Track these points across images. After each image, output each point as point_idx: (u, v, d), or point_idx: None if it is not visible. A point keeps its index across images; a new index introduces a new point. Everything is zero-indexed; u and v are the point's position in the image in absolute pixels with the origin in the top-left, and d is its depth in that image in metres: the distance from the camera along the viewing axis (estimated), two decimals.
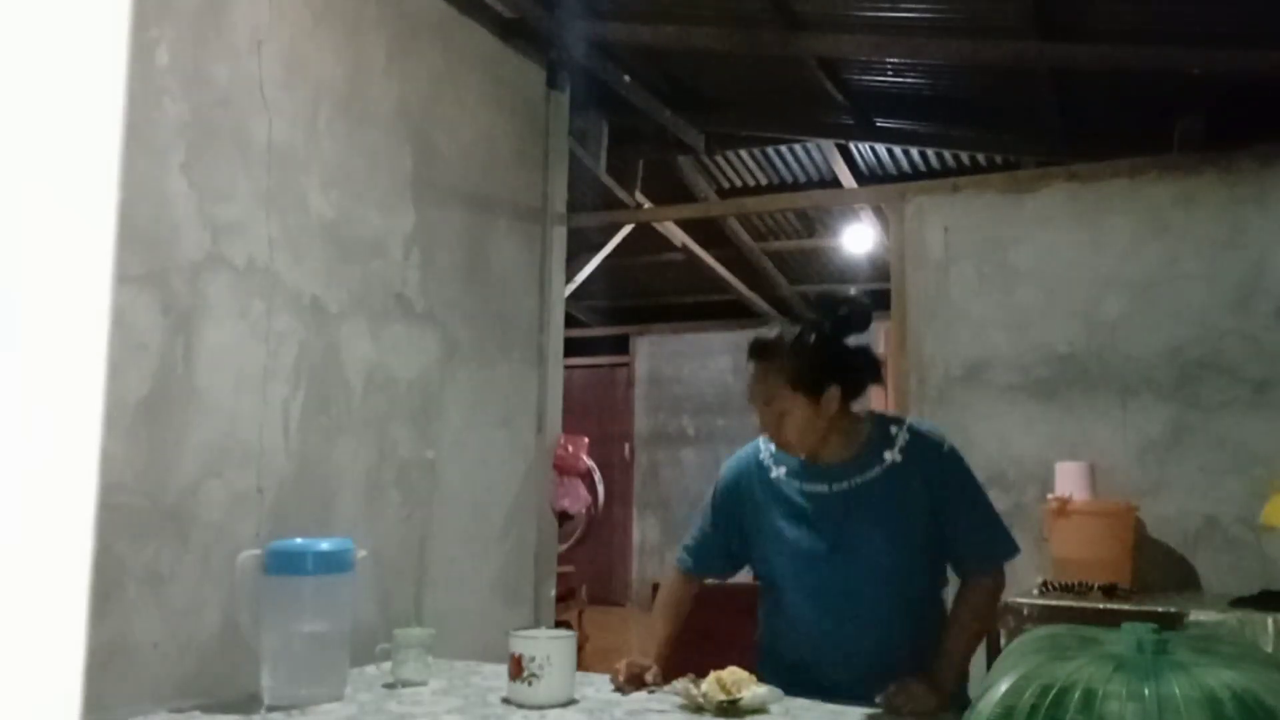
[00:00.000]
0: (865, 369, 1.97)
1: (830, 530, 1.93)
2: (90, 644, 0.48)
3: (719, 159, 5.95)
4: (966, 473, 1.97)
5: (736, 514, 2.06)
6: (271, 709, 1.85)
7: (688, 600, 2.15)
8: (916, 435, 1.95)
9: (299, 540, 2.03)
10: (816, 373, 1.89)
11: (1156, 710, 0.94)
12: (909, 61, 4.07)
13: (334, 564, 1.97)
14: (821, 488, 1.95)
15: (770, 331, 1.96)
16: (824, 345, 1.92)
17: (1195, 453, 3.17)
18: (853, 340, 1.97)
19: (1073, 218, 3.40)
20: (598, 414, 8.64)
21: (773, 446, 2.02)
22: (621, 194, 5.22)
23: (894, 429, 1.96)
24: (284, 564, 1.92)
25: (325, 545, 1.98)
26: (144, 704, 1.96)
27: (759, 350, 1.94)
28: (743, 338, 8.48)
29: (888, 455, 1.93)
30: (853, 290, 2.08)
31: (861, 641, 1.90)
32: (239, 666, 2.06)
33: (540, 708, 1.81)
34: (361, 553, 2.05)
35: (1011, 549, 1.97)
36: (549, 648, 1.83)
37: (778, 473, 2.00)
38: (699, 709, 1.79)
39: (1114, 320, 3.31)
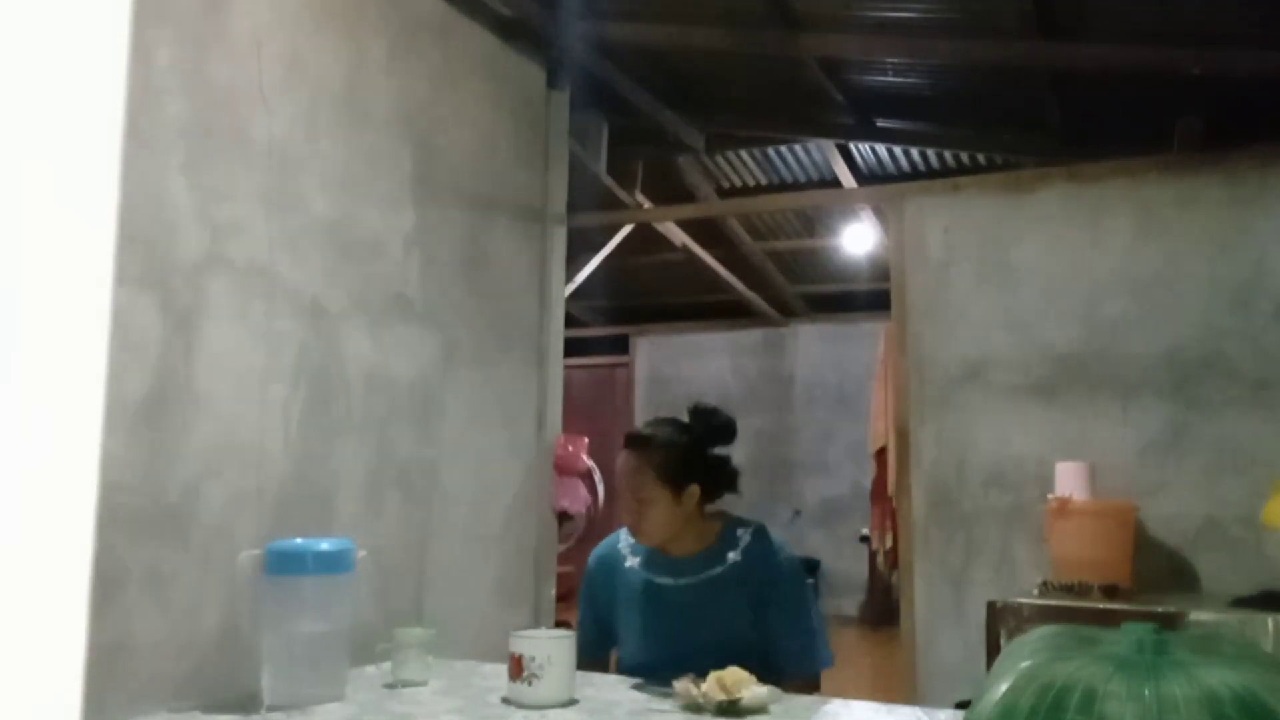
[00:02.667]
0: (724, 478, 2.17)
1: (670, 620, 2.09)
2: (90, 644, 0.48)
3: (719, 159, 5.95)
4: (798, 583, 2.11)
5: (602, 599, 2.23)
6: (271, 709, 1.85)
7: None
8: (759, 538, 2.12)
9: (299, 540, 2.03)
10: (681, 471, 2.09)
11: (1156, 710, 0.94)
12: (909, 61, 4.07)
13: (334, 564, 1.97)
14: (668, 580, 2.12)
15: (648, 427, 2.17)
16: (692, 447, 2.12)
17: (1195, 453, 3.17)
18: (718, 450, 2.17)
19: (1073, 218, 3.40)
20: (598, 414, 8.63)
21: (630, 539, 2.19)
22: (621, 194, 5.22)
23: (740, 531, 2.13)
24: (284, 564, 1.92)
25: (325, 545, 1.98)
26: (144, 704, 1.96)
27: (634, 441, 2.14)
28: (743, 338, 8.49)
29: (730, 555, 2.10)
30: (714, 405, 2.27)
31: None
32: (239, 666, 2.06)
33: (540, 708, 1.81)
34: (361, 553, 2.05)
35: (825, 663, 2.10)
36: (549, 648, 1.83)
37: (632, 562, 2.18)
38: (699, 709, 1.79)
39: (1114, 320, 3.31)
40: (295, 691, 1.88)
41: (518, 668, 1.82)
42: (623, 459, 2.12)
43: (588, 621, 2.27)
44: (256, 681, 1.91)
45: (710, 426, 2.18)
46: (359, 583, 2.06)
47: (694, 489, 2.11)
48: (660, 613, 2.12)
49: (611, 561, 2.23)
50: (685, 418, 2.23)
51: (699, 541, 2.12)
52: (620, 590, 2.19)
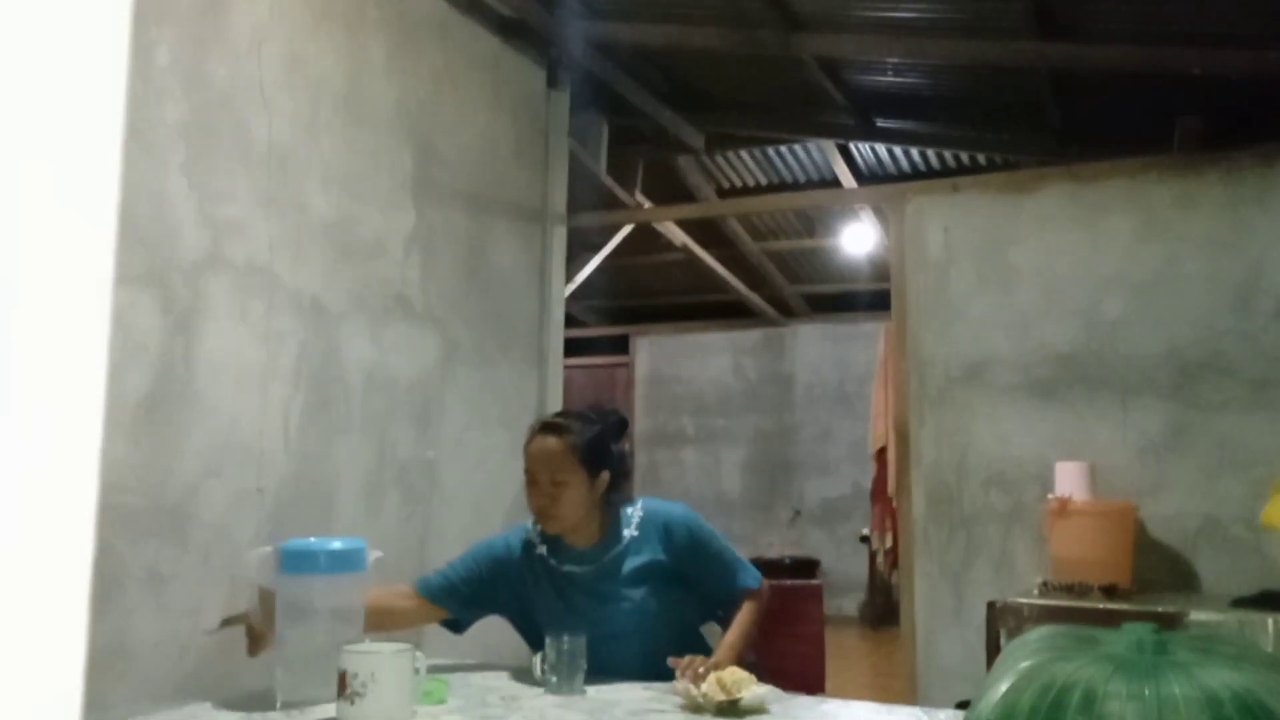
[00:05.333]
0: (627, 474, 2.26)
1: (587, 602, 2.16)
2: (90, 644, 0.48)
3: (719, 159, 5.95)
4: (698, 530, 2.22)
5: (497, 576, 2.23)
6: (285, 706, 1.85)
7: (398, 609, 2.19)
8: (648, 510, 2.23)
9: (313, 539, 2.03)
10: (597, 455, 2.16)
11: (1156, 710, 0.94)
12: (909, 61, 4.07)
13: (347, 563, 1.97)
14: (575, 569, 2.18)
15: (557, 417, 2.25)
16: (603, 436, 2.20)
17: (1195, 453, 3.17)
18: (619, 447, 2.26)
19: (1073, 218, 3.40)
20: None
21: (538, 529, 2.23)
22: (621, 194, 5.22)
23: (629, 509, 2.23)
24: (298, 563, 1.93)
25: (338, 544, 1.98)
26: (144, 704, 1.96)
27: (552, 426, 2.18)
28: (743, 338, 8.44)
29: (626, 532, 2.19)
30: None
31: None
32: (239, 666, 2.06)
33: None
34: (375, 554, 2.05)
35: (754, 580, 2.23)
36: (373, 664, 1.69)
37: (541, 550, 2.22)
38: (699, 709, 1.79)
39: (1114, 320, 3.31)
40: (307, 689, 1.87)
41: (342, 684, 1.68)
42: (538, 443, 2.16)
43: (464, 574, 2.22)
44: (257, 681, 1.91)
45: (610, 422, 2.25)
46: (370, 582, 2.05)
47: (605, 475, 2.17)
48: (577, 599, 2.16)
49: (522, 548, 2.23)
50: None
51: (599, 531, 2.19)
52: (531, 579, 2.21)
